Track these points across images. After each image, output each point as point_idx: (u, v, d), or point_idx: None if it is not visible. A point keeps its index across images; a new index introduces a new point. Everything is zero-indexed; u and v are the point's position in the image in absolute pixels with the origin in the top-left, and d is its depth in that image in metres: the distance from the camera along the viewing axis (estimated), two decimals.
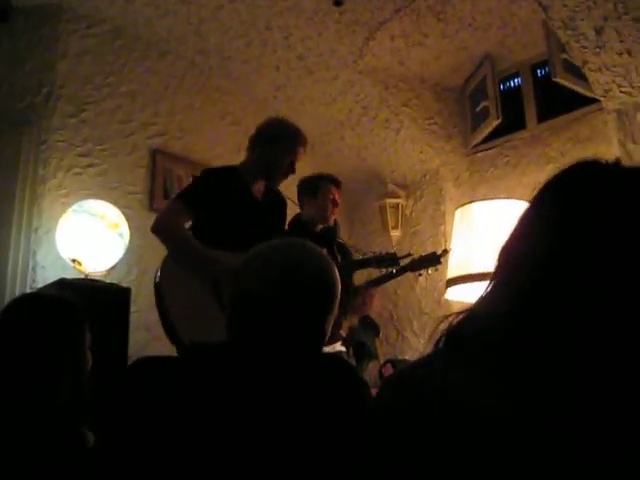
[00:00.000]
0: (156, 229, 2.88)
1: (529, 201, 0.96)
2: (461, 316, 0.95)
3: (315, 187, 3.63)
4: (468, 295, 3.23)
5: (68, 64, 4.18)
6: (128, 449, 1.24)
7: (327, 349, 3.21)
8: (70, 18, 4.21)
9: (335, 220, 3.68)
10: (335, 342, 3.30)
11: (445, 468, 0.79)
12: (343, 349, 3.39)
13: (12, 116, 4.00)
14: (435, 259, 3.31)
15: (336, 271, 1.49)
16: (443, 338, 0.94)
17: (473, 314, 0.94)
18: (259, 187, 3.14)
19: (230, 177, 3.04)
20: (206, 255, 2.78)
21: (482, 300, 0.95)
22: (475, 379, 0.83)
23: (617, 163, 0.92)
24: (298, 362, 1.38)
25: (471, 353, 0.87)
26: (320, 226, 3.62)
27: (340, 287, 1.49)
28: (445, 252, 3.26)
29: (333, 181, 3.66)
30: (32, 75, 4.10)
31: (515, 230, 0.95)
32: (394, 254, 3.36)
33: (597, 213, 0.85)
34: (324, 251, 3.40)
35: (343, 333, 3.25)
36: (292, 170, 3.13)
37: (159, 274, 2.82)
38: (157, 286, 2.80)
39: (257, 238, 1.59)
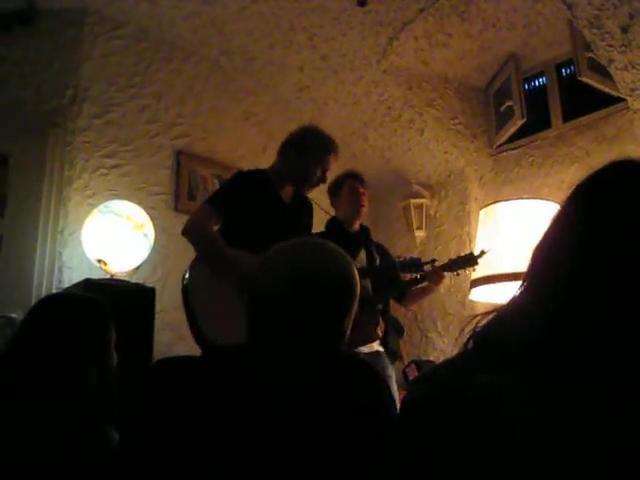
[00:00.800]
0: (186, 232, 2.91)
1: (563, 201, 0.94)
2: (490, 316, 0.93)
3: (337, 186, 3.65)
4: (492, 296, 3.21)
5: (93, 66, 4.22)
6: (150, 449, 1.25)
7: (365, 349, 3.24)
8: (95, 21, 4.25)
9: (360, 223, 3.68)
10: (373, 341, 3.29)
11: (473, 471, 0.78)
12: (381, 349, 3.38)
13: (38, 118, 4.04)
14: (472, 259, 3.28)
15: (355, 269, 1.47)
16: (472, 339, 0.92)
17: (505, 315, 0.92)
18: (287, 191, 3.15)
19: (259, 181, 3.06)
20: (234, 257, 2.79)
21: (514, 301, 0.93)
22: (513, 382, 0.80)
23: None
24: (318, 363, 1.38)
25: (505, 355, 0.85)
26: (356, 225, 3.63)
27: (359, 286, 1.47)
28: (483, 253, 3.23)
29: (351, 176, 3.67)
30: (57, 77, 4.14)
31: (549, 230, 0.94)
32: (419, 259, 3.34)
33: (633, 213, 0.84)
34: (361, 252, 3.45)
35: (380, 332, 3.23)
36: (323, 179, 3.15)
37: (187, 275, 2.84)
38: (185, 287, 2.82)
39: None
